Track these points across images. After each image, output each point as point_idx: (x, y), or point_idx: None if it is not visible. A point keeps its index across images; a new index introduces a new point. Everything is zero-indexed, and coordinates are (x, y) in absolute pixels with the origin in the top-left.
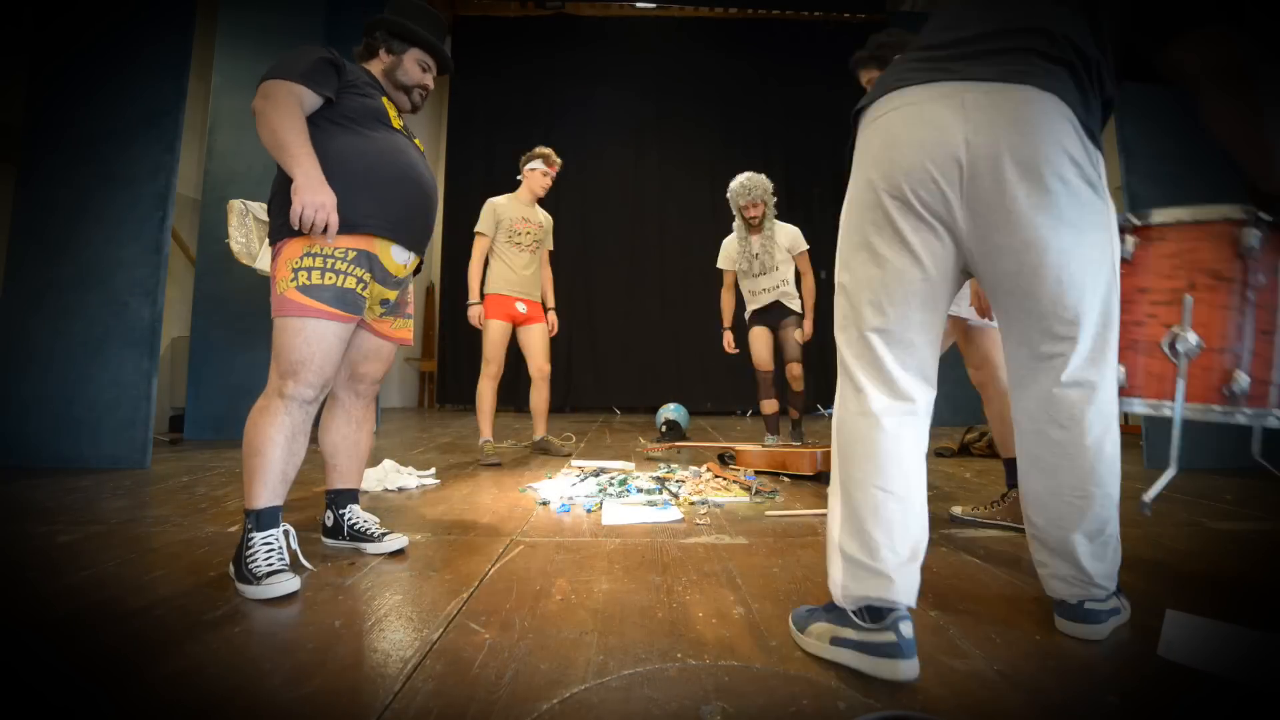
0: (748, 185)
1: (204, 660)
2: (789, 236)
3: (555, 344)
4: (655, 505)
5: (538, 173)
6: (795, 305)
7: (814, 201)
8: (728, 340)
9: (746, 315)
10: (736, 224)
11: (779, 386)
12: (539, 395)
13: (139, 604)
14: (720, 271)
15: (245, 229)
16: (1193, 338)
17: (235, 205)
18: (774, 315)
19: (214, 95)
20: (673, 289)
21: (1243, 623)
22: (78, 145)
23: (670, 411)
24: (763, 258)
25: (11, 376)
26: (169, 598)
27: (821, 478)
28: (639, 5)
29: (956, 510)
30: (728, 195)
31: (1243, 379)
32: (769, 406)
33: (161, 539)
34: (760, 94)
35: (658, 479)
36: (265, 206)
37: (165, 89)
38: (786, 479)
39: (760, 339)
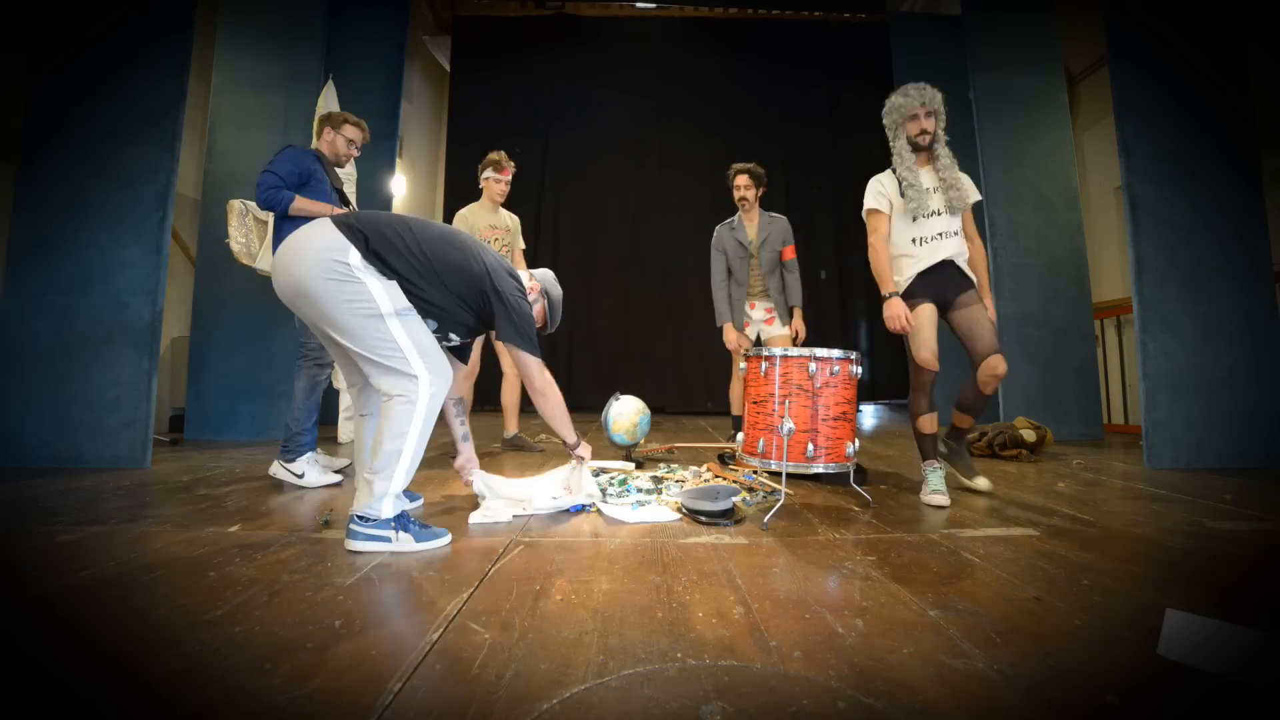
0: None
1: (204, 660)
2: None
3: (555, 344)
4: (643, 505)
5: (491, 181)
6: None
7: (813, 201)
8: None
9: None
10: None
11: None
12: (509, 390)
13: (139, 604)
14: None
15: (245, 229)
16: (789, 424)
17: (235, 205)
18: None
19: (214, 95)
20: (672, 288)
21: (1243, 623)
22: (78, 145)
23: (618, 438)
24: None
25: (11, 376)
26: (169, 597)
27: (822, 478)
28: (639, 5)
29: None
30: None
31: (812, 449)
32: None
33: (161, 539)
34: (760, 94)
35: (656, 479)
36: None
37: (165, 89)
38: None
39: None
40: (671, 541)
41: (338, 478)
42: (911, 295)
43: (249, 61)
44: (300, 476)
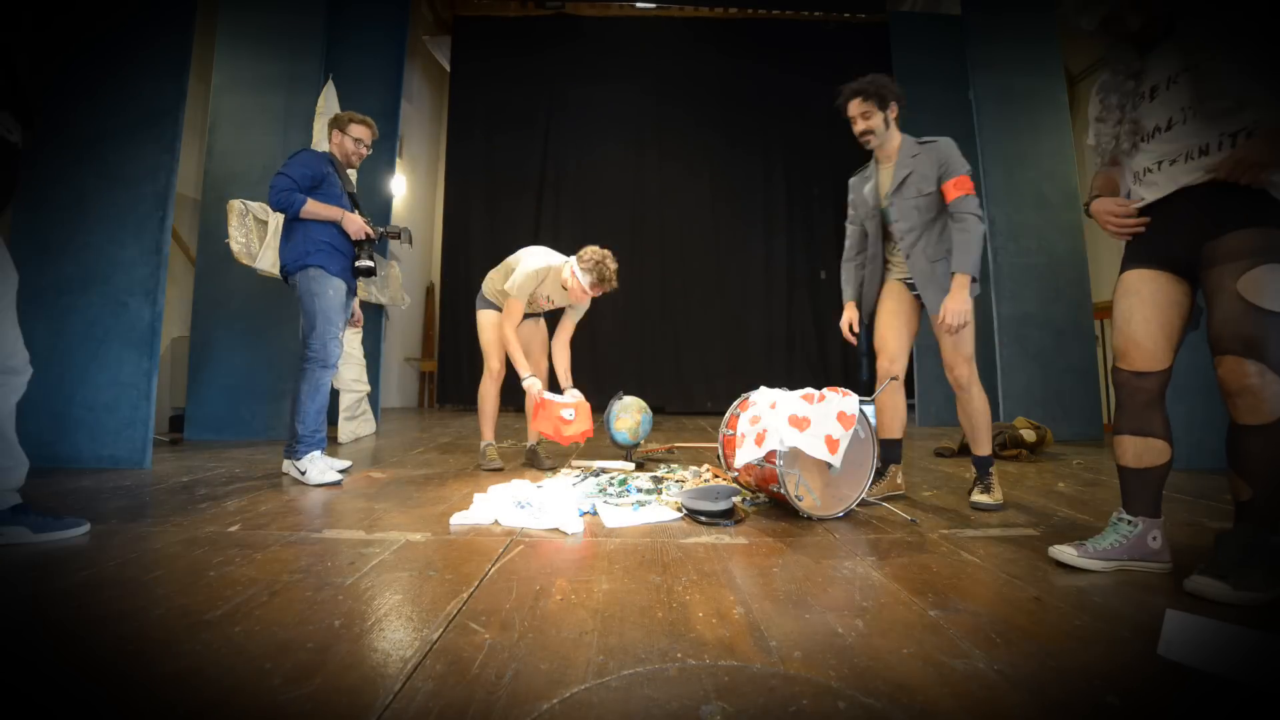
0: None
1: (204, 660)
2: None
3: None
4: (643, 505)
5: (590, 285)
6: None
7: (813, 201)
8: None
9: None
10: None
11: None
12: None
13: (139, 604)
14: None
15: (245, 229)
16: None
17: (235, 205)
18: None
19: (214, 95)
20: (673, 288)
21: (1243, 623)
22: (78, 145)
23: (620, 437)
24: None
25: None
26: (169, 597)
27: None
28: (639, 5)
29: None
30: None
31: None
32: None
33: (161, 539)
34: (760, 94)
35: (656, 479)
36: (265, 207)
37: (165, 89)
38: None
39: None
40: (671, 541)
41: (339, 477)
42: (1126, 258)
43: (249, 61)
44: (303, 474)
